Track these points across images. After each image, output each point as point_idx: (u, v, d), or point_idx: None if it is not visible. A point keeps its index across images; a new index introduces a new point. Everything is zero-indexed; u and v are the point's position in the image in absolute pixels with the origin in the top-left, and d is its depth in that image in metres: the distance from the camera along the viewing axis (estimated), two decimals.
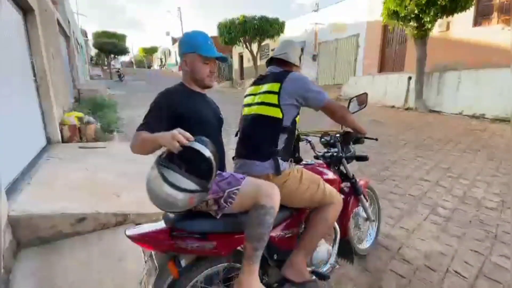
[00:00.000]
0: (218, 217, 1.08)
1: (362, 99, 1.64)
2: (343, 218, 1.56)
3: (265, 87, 1.35)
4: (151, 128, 1.06)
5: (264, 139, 1.29)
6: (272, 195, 1.07)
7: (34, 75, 3.57)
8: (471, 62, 7.88)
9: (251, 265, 1.04)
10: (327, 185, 1.35)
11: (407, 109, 8.45)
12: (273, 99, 1.29)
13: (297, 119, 1.36)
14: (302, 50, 1.56)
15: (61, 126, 4.06)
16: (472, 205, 2.59)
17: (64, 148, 3.69)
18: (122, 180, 2.79)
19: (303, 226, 1.37)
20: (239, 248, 1.11)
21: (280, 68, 1.42)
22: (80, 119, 4.44)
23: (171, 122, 1.07)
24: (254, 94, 1.42)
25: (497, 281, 1.68)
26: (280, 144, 1.31)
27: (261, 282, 1.10)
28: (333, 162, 1.64)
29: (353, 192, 1.70)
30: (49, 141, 3.81)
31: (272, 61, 1.49)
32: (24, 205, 1.96)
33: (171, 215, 1.08)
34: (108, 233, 2.04)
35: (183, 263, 1.04)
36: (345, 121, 1.41)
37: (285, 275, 1.26)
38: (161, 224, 1.10)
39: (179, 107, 1.14)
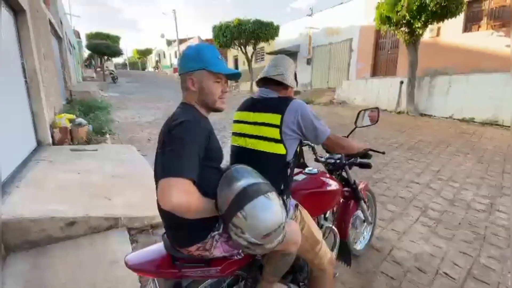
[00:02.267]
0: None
1: (373, 116, 1.63)
2: (343, 221, 1.60)
3: (263, 117, 1.17)
4: (196, 175, 0.82)
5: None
6: (297, 243, 1.04)
7: (25, 76, 3.52)
8: (461, 67, 8.06)
9: (270, 285, 1.10)
10: (325, 249, 1.24)
11: (399, 112, 8.58)
12: (275, 133, 1.13)
13: (298, 149, 1.23)
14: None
15: (52, 128, 4.00)
16: (461, 207, 2.64)
17: (55, 151, 3.63)
18: (113, 183, 2.76)
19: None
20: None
21: (276, 93, 1.25)
22: (71, 121, 4.38)
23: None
24: (248, 123, 1.23)
25: (485, 282, 1.71)
26: (284, 181, 1.15)
27: None
28: (335, 169, 1.65)
29: (353, 197, 1.72)
30: (39, 144, 3.75)
31: (264, 80, 1.28)
32: (13, 209, 1.93)
33: (168, 242, 1.02)
34: (99, 237, 2.02)
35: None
36: (347, 151, 1.36)
37: None
38: (160, 248, 1.04)
39: (205, 141, 0.92)
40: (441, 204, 2.72)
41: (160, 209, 0.93)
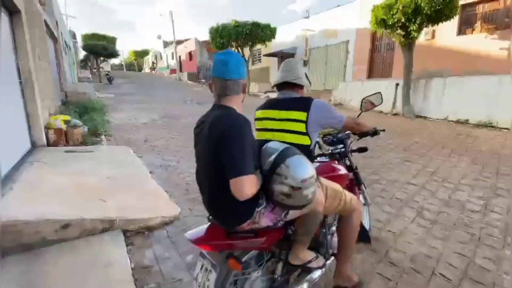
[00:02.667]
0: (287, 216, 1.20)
1: (377, 98, 1.92)
2: None
3: (289, 114, 1.39)
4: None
5: None
6: (323, 203, 1.25)
7: (19, 77, 3.48)
8: (455, 69, 8.16)
9: (303, 246, 1.31)
10: (347, 194, 1.43)
11: (394, 114, 8.65)
12: (301, 127, 1.37)
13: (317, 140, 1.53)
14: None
15: (47, 129, 3.96)
16: (457, 208, 2.66)
17: (50, 152, 3.60)
18: (109, 185, 2.74)
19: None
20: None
21: (295, 93, 1.48)
22: (66, 122, 4.34)
23: None
24: (274, 119, 1.44)
25: (481, 283, 1.72)
26: None
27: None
28: (340, 157, 1.82)
29: (356, 181, 1.87)
30: (33, 145, 3.71)
31: (282, 83, 1.49)
32: (6, 211, 1.90)
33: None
34: (94, 239, 2.00)
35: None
36: (361, 129, 1.63)
37: (337, 284, 1.51)
38: (214, 225, 1.21)
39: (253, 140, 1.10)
40: (437, 205, 2.74)
41: (210, 202, 1.17)
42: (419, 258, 1.95)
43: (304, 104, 1.39)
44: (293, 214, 1.21)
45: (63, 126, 4.18)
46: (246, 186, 0.97)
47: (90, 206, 2.22)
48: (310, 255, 1.38)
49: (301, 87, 1.49)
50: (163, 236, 2.17)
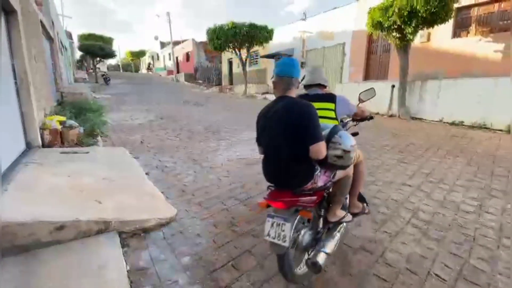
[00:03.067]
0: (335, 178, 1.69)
1: (370, 93, 2.34)
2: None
3: (322, 105, 1.83)
4: None
5: None
6: (352, 168, 1.80)
7: (15, 77, 3.45)
8: (450, 71, 8.25)
9: (339, 205, 1.82)
10: (357, 150, 1.75)
11: (390, 116, 8.71)
12: (332, 114, 1.85)
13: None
14: None
15: (42, 130, 3.93)
16: (452, 209, 2.68)
17: (45, 153, 3.57)
18: (104, 186, 2.73)
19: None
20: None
21: (320, 90, 1.97)
22: (62, 122, 4.31)
23: None
24: None
25: (476, 284, 1.73)
26: None
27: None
28: None
29: None
30: (29, 146, 3.68)
31: (311, 84, 2.00)
32: (0, 212, 1.88)
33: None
34: (89, 241, 1.98)
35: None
36: (363, 115, 2.12)
37: (352, 212, 2.04)
38: (275, 191, 1.56)
39: None
40: (432, 206, 2.76)
41: (281, 171, 1.52)
42: (414, 259, 1.96)
43: (331, 97, 1.87)
44: (338, 175, 1.69)
45: (59, 127, 4.15)
46: (323, 149, 1.42)
47: (85, 207, 2.20)
48: (343, 212, 1.88)
49: (325, 86, 2.00)
50: (159, 237, 2.16)
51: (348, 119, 2.14)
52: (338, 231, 1.86)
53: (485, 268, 1.87)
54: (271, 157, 1.58)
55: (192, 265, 1.86)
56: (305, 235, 1.64)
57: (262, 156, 1.67)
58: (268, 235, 1.48)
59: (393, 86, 8.66)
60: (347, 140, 1.51)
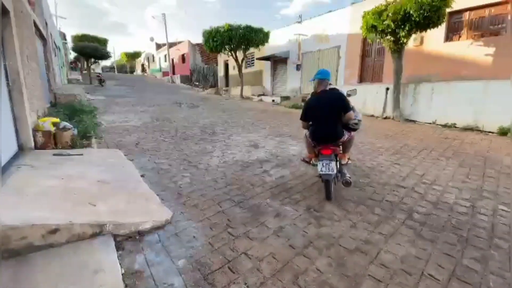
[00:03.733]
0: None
1: (354, 91, 3.55)
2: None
3: (336, 97, 2.99)
4: None
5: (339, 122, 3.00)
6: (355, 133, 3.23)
7: (7, 78, 3.40)
8: (443, 74, 8.38)
9: (347, 153, 3.25)
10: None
11: (385, 118, 8.80)
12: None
13: None
14: None
15: (35, 132, 3.88)
16: (445, 210, 2.72)
17: (38, 155, 3.52)
18: (99, 188, 2.70)
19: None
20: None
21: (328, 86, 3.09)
22: (55, 124, 4.26)
23: None
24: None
25: (468, 283, 1.76)
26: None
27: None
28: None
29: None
30: (21, 148, 3.63)
31: (322, 81, 3.07)
32: None
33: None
34: (83, 244, 1.96)
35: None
36: (351, 118, 2.98)
37: (346, 157, 3.21)
38: (322, 146, 2.92)
39: None
40: (426, 207, 2.79)
41: (327, 133, 2.92)
42: (409, 259, 1.98)
43: (339, 92, 3.04)
44: (352, 134, 3.12)
45: (52, 129, 4.09)
46: (352, 115, 2.90)
47: (79, 210, 2.18)
48: (348, 157, 3.25)
49: (330, 83, 3.12)
50: (154, 240, 2.15)
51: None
52: (345, 168, 3.18)
53: (478, 267, 1.90)
54: (322, 125, 2.94)
55: (188, 268, 1.85)
56: (334, 168, 2.82)
57: (306, 130, 3.19)
58: (321, 170, 2.81)
59: (387, 89, 8.77)
60: (359, 115, 3.07)
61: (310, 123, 3.08)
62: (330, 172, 2.76)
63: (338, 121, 2.91)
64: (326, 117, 2.89)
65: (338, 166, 2.93)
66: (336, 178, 2.97)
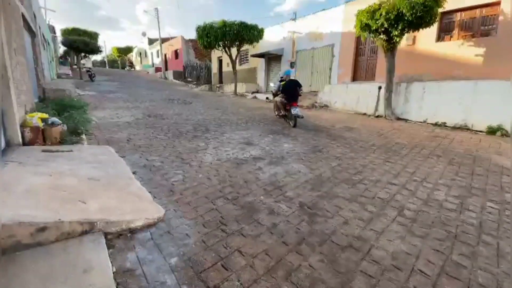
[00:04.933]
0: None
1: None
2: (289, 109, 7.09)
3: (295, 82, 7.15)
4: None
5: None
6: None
7: None
8: (434, 74, 8.52)
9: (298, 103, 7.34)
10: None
11: (377, 116, 8.90)
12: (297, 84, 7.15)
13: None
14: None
15: (23, 127, 3.77)
16: (435, 207, 2.77)
17: (25, 152, 3.43)
18: (89, 186, 2.65)
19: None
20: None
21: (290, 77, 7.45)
22: (44, 120, 4.15)
23: None
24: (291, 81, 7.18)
25: (457, 279, 1.80)
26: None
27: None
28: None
29: (291, 106, 6.92)
30: (8, 144, 3.53)
31: (288, 76, 7.47)
32: None
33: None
34: (73, 243, 1.92)
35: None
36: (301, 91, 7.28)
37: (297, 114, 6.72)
38: (291, 103, 6.93)
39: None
40: (416, 204, 2.84)
41: (293, 97, 6.95)
42: (400, 256, 2.01)
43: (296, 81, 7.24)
44: (300, 97, 7.15)
45: (40, 124, 3.99)
46: (301, 88, 7.21)
47: (69, 208, 2.13)
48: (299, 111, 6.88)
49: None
50: (146, 238, 2.12)
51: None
52: (294, 115, 6.59)
53: (466, 263, 1.95)
54: (292, 93, 6.84)
55: (181, 266, 1.84)
56: (293, 113, 6.56)
57: (278, 98, 7.42)
58: (295, 112, 6.57)
59: (379, 88, 8.86)
60: (302, 89, 7.30)
61: (281, 94, 7.19)
62: (299, 113, 6.62)
63: (297, 91, 6.89)
64: (293, 89, 6.88)
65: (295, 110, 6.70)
66: (296, 118, 6.68)
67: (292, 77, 7.33)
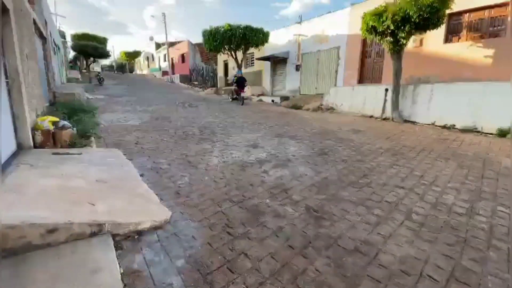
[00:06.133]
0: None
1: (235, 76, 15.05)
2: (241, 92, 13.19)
3: (243, 78, 13.55)
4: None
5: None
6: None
7: (6, 77, 3.40)
8: (442, 75, 8.41)
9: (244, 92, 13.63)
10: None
11: (384, 119, 8.81)
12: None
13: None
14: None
15: (34, 130, 3.87)
16: (444, 211, 2.73)
17: (36, 154, 3.51)
18: (98, 188, 2.69)
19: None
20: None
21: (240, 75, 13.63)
22: (54, 123, 4.25)
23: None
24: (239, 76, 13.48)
25: (467, 284, 1.76)
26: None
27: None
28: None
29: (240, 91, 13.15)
30: (20, 147, 3.62)
31: (240, 75, 13.77)
32: None
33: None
34: (82, 244, 1.95)
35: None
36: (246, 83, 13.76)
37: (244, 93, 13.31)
38: (238, 91, 13.22)
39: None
40: (425, 208, 2.80)
41: (240, 88, 13.17)
42: (407, 260, 1.98)
43: (243, 78, 13.46)
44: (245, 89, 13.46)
45: (51, 128, 4.08)
46: (246, 81, 13.61)
47: (78, 209, 2.17)
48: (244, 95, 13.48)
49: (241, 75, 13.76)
50: (153, 240, 2.14)
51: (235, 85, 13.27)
52: (242, 97, 12.83)
53: (476, 269, 1.91)
54: (241, 84, 13.01)
55: (187, 268, 1.85)
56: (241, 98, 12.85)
57: (236, 88, 13.32)
58: (243, 95, 13.06)
59: (386, 90, 8.78)
60: (247, 85, 13.78)
61: (235, 85, 13.24)
62: (245, 96, 13.18)
63: (244, 84, 12.99)
64: (242, 82, 12.99)
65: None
66: (243, 99, 12.77)
67: (241, 75, 13.29)
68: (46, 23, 9.07)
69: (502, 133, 6.28)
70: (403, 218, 2.58)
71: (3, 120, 3.30)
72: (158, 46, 37.54)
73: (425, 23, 6.98)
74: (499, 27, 7.60)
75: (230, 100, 13.73)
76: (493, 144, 5.60)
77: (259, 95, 16.14)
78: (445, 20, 7.42)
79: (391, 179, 3.57)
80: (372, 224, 2.47)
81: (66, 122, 4.50)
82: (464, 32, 8.28)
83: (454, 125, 7.25)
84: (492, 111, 6.53)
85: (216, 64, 23.72)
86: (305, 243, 2.17)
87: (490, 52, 7.65)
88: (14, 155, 3.32)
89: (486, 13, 7.83)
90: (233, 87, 13.61)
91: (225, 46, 15.06)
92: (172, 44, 30.61)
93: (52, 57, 9.84)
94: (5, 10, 3.35)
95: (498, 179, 3.62)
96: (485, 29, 7.86)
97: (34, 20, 5.92)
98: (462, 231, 2.37)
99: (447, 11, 7.25)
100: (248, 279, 1.77)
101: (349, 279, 1.79)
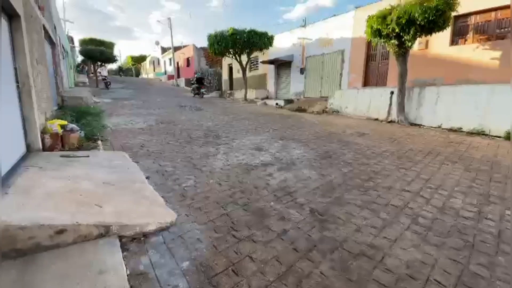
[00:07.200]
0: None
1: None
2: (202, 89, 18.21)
3: (202, 77, 19.14)
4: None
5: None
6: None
7: (17, 81, 3.48)
8: (448, 78, 8.34)
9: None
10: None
11: (389, 121, 8.76)
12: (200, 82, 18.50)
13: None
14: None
15: (43, 133, 3.94)
16: (451, 215, 2.69)
17: (45, 157, 3.57)
18: (105, 190, 2.73)
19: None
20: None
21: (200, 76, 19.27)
22: (63, 126, 4.33)
23: None
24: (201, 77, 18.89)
25: None
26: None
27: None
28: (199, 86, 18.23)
29: (201, 87, 18.07)
30: (29, 149, 3.69)
31: (201, 75, 20.30)
32: (0, 216, 1.88)
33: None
34: (89, 245, 1.98)
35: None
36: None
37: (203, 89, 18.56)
38: (199, 87, 17.80)
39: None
40: (431, 212, 2.77)
41: (199, 87, 17.90)
42: (414, 265, 1.96)
43: (202, 77, 18.84)
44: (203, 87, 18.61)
45: (60, 131, 4.16)
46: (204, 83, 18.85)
47: (85, 211, 2.20)
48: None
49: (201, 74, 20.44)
50: (159, 242, 2.16)
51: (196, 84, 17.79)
52: (202, 92, 17.67)
53: (485, 274, 1.88)
54: (201, 82, 17.86)
55: (192, 270, 1.86)
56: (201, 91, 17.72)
57: (196, 85, 17.68)
58: (204, 92, 17.98)
59: (392, 93, 8.74)
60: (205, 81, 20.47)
61: (195, 83, 17.69)
62: (203, 92, 17.92)
63: (203, 82, 17.91)
64: (203, 79, 18.35)
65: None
66: (203, 94, 17.48)
67: (201, 75, 17.72)
68: (55, 28, 9.27)
69: (510, 136, 6.18)
70: (410, 222, 2.56)
71: (13, 123, 3.38)
72: (164, 50, 37.99)
73: (431, 26, 6.94)
74: (506, 29, 7.52)
75: (193, 95, 17.78)
76: (501, 147, 5.51)
77: (263, 98, 16.18)
78: (451, 22, 7.37)
79: (397, 183, 3.54)
80: (378, 227, 2.45)
81: (74, 125, 4.58)
82: (471, 34, 8.22)
83: (461, 128, 7.16)
84: (499, 114, 6.44)
85: (221, 68, 23.90)
86: (310, 246, 2.16)
87: (497, 54, 7.56)
88: (23, 158, 3.39)
89: (493, 15, 7.76)
90: (194, 86, 17.51)
91: (230, 50, 15.18)
92: (177, 49, 30.96)
93: (60, 61, 10.03)
94: (16, 16, 3.44)
95: (507, 182, 3.56)
96: (492, 31, 7.78)
97: (43, 25, 6.06)
98: (470, 236, 2.34)
99: (453, 14, 7.20)
100: (253, 282, 1.77)
101: (355, 283, 1.78)
